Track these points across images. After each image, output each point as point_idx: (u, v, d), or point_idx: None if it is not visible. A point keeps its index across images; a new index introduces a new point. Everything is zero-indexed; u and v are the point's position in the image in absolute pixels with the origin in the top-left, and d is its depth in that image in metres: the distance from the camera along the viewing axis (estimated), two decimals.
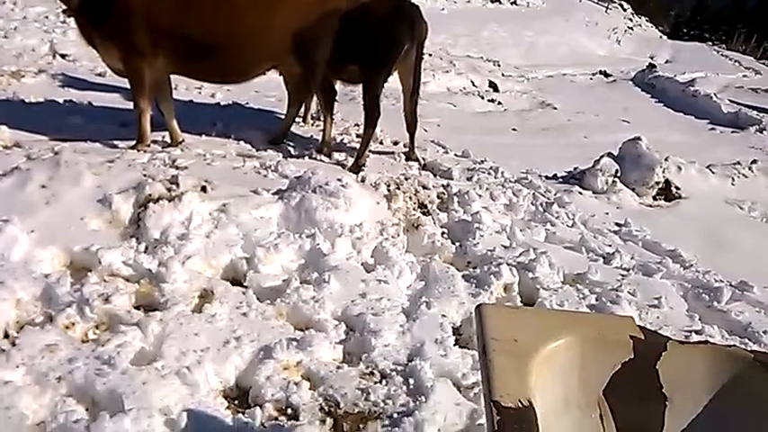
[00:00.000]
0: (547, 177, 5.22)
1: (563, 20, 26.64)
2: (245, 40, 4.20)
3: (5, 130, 4.14)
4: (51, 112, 4.89)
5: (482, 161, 5.36)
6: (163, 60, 4.14)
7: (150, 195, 2.97)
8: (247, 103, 6.23)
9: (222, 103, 6.11)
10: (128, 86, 4.46)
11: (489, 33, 18.83)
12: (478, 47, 16.25)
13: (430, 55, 11.20)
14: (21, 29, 7.57)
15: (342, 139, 5.38)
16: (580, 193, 4.73)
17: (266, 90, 6.65)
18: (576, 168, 5.41)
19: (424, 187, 4.08)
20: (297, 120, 5.32)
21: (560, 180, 5.15)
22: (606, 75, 14.37)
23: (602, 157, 5.11)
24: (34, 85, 5.75)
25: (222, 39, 4.13)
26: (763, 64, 33.37)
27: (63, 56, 6.98)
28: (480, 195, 4.15)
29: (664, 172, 4.96)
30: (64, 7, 4.10)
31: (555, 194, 4.57)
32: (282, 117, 5.30)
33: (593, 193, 4.84)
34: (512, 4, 27.73)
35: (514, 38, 19.01)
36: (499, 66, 13.26)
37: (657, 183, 4.93)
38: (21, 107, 4.90)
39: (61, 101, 5.23)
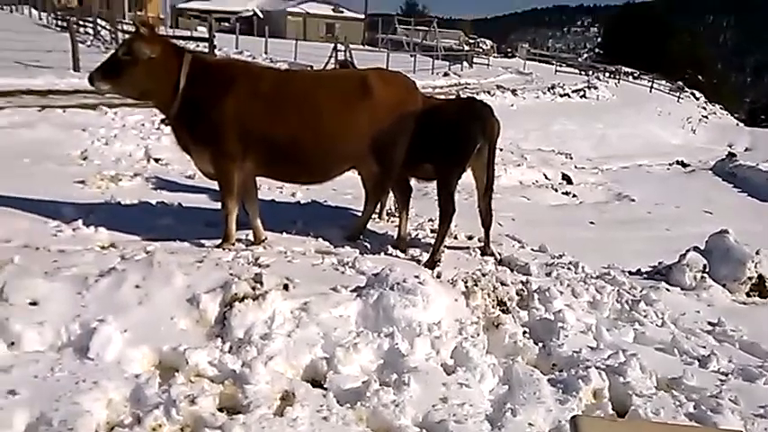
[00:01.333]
0: (630, 273, 5.04)
1: (634, 111, 26.69)
2: (327, 144, 4.41)
3: (103, 231, 4.43)
4: (145, 213, 5.19)
5: (560, 256, 5.25)
6: (251, 164, 4.37)
7: (236, 294, 3.05)
8: (326, 201, 6.44)
9: (302, 202, 6.34)
10: (214, 187, 4.73)
11: (559, 127, 19.03)
12: (549, 140, 16.40)
13: (501, 149, 11.33)
14: (120, 136, 8.26)
15: (417, 235, 5.43)
16: (667, 289, 4.52)
17: (343, 188, 6.86)
18: (660, 263, 5.20)
19: (503, 284, 4.01)
20: (373, 216, 5.43)
21: (645, 276, 4.96)
22: (684, 164, 14.08)
23: (688, 251, 4.90)
24: (130, 187, 6.18)
25: (306, 142, 4.35)
26: None
27: (157, 160, 7.52)
28: (562, 292, 4.03)
29: (756, 266, 4.70)
30: (162, 117, 4.46)
31: (641, 291, 4.39)
32: (359, 214, 5.43)
33: (682, 289, 4.61)
34: (581, 97, 28.08)
35: (585, 130, 19.11)
36: (571, 158, 13.25)
37: (750, 278, 4.67)
38: (117, 209, 5.23)
39: (154, 202, 5.56)
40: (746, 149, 22.57)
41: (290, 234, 4.96)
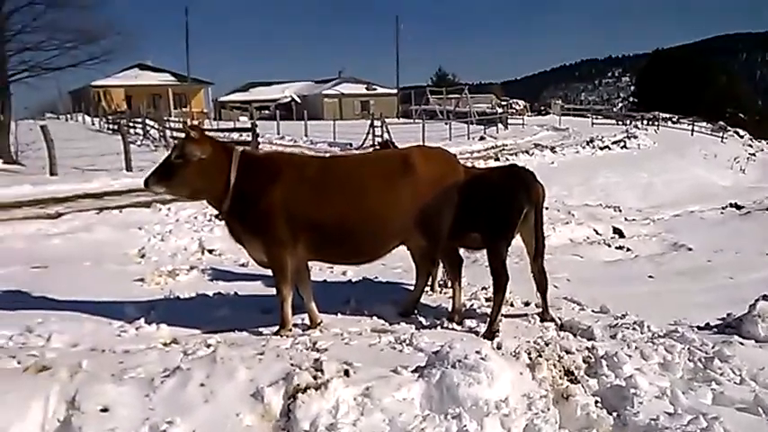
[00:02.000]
0: (699, 328, 4.82)
1: (678, 156, 26.27)
2: (375, 223, 4.48)
3: (165, 327, 4.54)
4: (203, 306, 5.30)
5: (623, 315, 5.08)
6: (302, 249, 4.47)
7: (298, 385, 3.04)
8: (376, 278, 6.46)
9: (353, 280, 6.37)
10: (267, 273, 4.83)
11: (603, 180, 18.83)
12: (594, 194, 16.22)
13: (546, 208, 11.23)
14: (174, 231, 8.58)
15: (471, 305, 5.36)
16: (741, 343, 4.28)
17: (393, 262, 6.88)
18: (729, 315, 4.97)
19: (568, 352, 3.89)
20: (425, 289, 5.41)
21: (715, 330, 4.73)
22: (738, 207, 13.62)
23: (757, 300, 4.68)
24: (187, 281, 6.34)
25: (355, 224, 4.44)
26: None
27: (210, 251, 7.75)
28: (630, 356, 3.87)
29: None
30: (216, 212, 4.64)
31: (713, 347, 4.18)
32: (410, 287, 5.42)
33: (756, 341, 4.37)
34: (622, 148, 27.86)
35: (630, 181, 18.85)
36: (620, 211, 13.04)
37: None
38: (176, 304, 5.37)
39: (211, 294, 5.68)
40: None
41: (345, 314, 5.00)
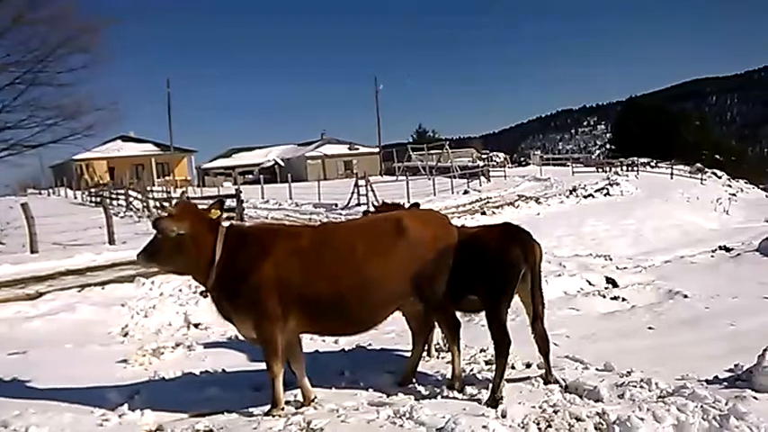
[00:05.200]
0: (708, 382, 4.65)
1: (662, 201, 26.53)
2: (370, 291, 4.34)
3: (149, 413, 4.29)
4: (189, 386, 5.05)
5: (629, 372, 4.90)
6: (294, 323, 4.30)
7: None
8: (370, 344, 6.25)
9: (347, 349, 6.16)
10: (257, 346, 4.62)
11: (591, 229, 18.87)
12: (584, 244, 16.18)
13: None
14: (158, 306, 8.32)
15: (471, 370, 5.16)
16: (755, 397, 4.11)
17: (384, 326, 6.66)
18: (737, 365, 4.81)
19: (578, 419, 3.70)
20: (422, 355, 5.22)
21: (725, 384, 4.55)
22: (727, 249, 13.59)
23: (765, 350, 4.52)
24: (173, 359, 6.07)
25: (349, 293, 4.29)
26: None
27: (196, 325, 7.50)
28: (642, 419, 3.69)
29: None
30: (202, 288, 4.47)
31: (726, 404, 4.00)
32: (406, 354, 5.23)
33: None
34: (605, 195, 28.12)
35: (617, 228, 18.89)
36: (611, 259, 12.97)
37: None
38: (162, 386, 5.10)
39: (197, 372, 5.43)
40: None
41: (340, 387, 4.79)
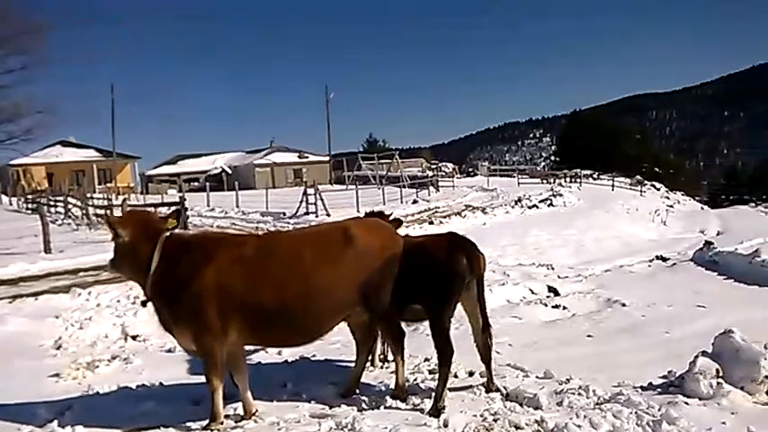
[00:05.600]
0: (643, 388, 4.78)
1: (603, 212, 27.31)
2: (317, 301, 4.29)
3: (80, 429, 4.12)
4: (125, 400, 4.88)
5: (568, 380, 5.00)
6: (236, 334, 4.21)
7: None
8: (314, 356, 6.18)
9: (290, 360, 6.07)
10: (197, 359, 4.51)
11: (534, 238, 19.25)
12: (527, 253, 16.48)
13: None
14: (95, 317, 8.01)
15: (415, 379, 5.17)
16: (686, 403, 4.25)
17: (329, 336, 6.61)
18: (670, 372, 4.97)
19: (517, 427, 3.74)
20: (366, 365, 5.19)
21: (659, 390, 4.69)
22: (664, 259, 14.12)
23: (697, 357, 4.70)
24: (108, 373, 5.87)
25: (295, 303, 4.23)
26: None
27: (134, 337, 7.26)
28: (579, 426, 3.77)
29: None
30: (143, 298, 4.36)
31: (659, 410, 4.12)
32: (351, 364, 5.18)
33: (700, 399, 4.35)
34: (549, 206, 28.76)
35: (560, 238, 19.33)
36: (553, 269, 13.25)
37: (767, 377, 4.44)
38: (95, 401, 4.92)
39: (134, 386, 5.26)
40: (719, 233, 22.99)
41: (282, 400, 4.71)
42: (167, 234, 4.40)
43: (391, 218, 6.05)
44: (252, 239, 4.68)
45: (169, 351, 6.53)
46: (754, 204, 46.91)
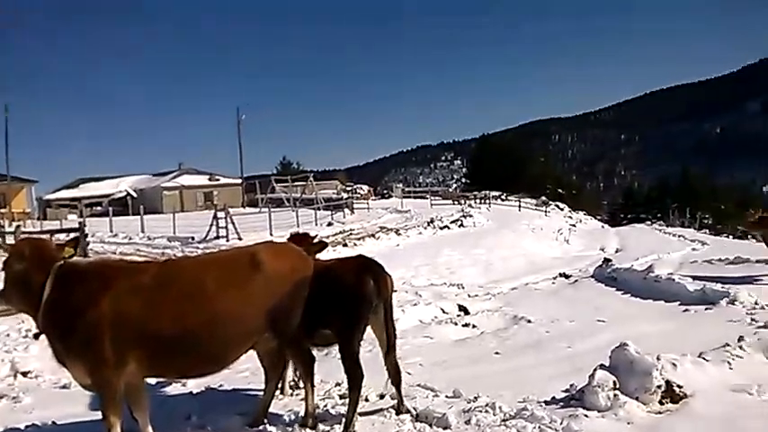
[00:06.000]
0: (546, 403, 4.93)
1: (510, 231, 28.32)
2: (223, 328, 4.15)
3: None
4: None
5: (476, 398, 5.08)
6: (135, 365, 4.01)
7: None
8: (221, 386, 5.98)
9: (194, 391, 5.84)
10: (94, 395, 4.26)
11: (446, 258, 19.66)
12: (439, 273, 16.80)
13: (395, 290, 11.38)
14: None
15: (325, 405, 5.10)
16: (586, 415, 4.42)
17: (238, 365, 6.43)
18: (572, 386, 5.16)
19: None
20: (275, 393, 5.07)
21: (561, 404, 4.85)
22: (567, 276, 14.77)
23: (595, 370, 4.91)
24: None
25: (201, 331, 4.07)
26: (705, 233, 35.46)
27: (25, 374, 6.75)
28: None
29: (661, 373, 4.75)
30: (35, 331, 4.11)
31: (561, 423, 4.27)
32: (260, 392, 5.05)
33: (599, 412, 4.54)
34: (459, 227, 29.53)
35: (470, 258, 19.85)
36: (463, 288, 13.54)
37: (659, 386, 4.68)
38: None
39: (23, 426, 4.89)
40: (617, 250, 24.32)
41: None
42: (61, 262, 4.17)
43: (316, 240, 6.02)
44: (152, 266, 4.49)
45: (64, 387, 6.11)
46: (649, 222, 50.12)
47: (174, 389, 5.95)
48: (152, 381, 5.52)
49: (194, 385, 6.00)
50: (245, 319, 4.25)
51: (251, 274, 4.30)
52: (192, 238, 24.65)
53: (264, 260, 4.38)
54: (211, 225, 24.88)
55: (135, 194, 56.25)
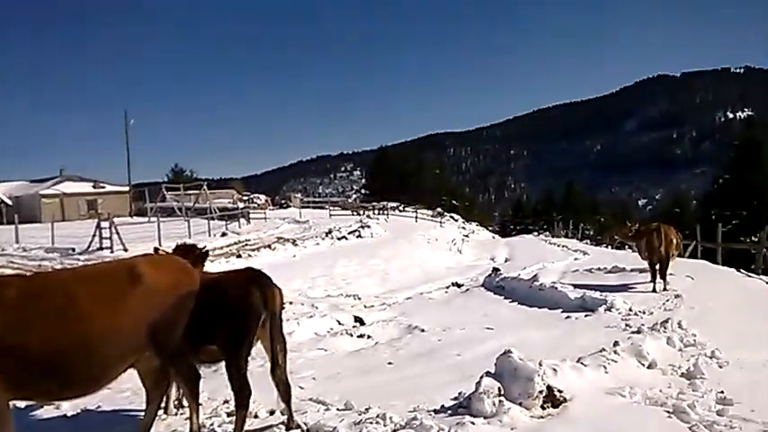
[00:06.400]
0: (436, 411, 5.01)
1: (406, 242, 28.76)
2: (96, 346, 3.89)
3: None
4: None
5: (367, 409, 5.08)
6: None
7: None
8: (99, 407, 5.61)
9: (69, 414, 5.43)
10: None
11: (343, 269, 19.63)
12: (336, 284, 16.75)
13: (291, 303, 11.23)
14: None
15: (212, 424, 4.92)
16: (472, 422, 4.52)
17: (119, 384, 6.06)
18: (461, 393, 5.28)
19: None
20: (158, 413, 4.82)
21: (449, 412, 4.94)
22: (458, 285, 15.19)
23: (482, 377, 5.05)
24: None
25: (72, 350, 3.80)
26: (586, 243, 37.75)
27: None
28: None
29: (542, 378, 4.97)
30: None
31: (449, 431, 4.36)
32: (141, 414, 4.78)
33: (485, 418, 4.66)
34: (357, 237, 29.63)
35: (367, 268, 19.95)
36: (359, 299, 13.57)
37: (540, 392, 4.89)
38: None
39: None
40: (506, 260, 25.31)
41: None
42: None
43: (204, 250, 5.82)
44: (17, 280, 4.14)
45: None
46: (536, 233, 52.67)
47: (46, 411, 5.51)
48: (20, 404, 5.11)
49: (69, 407, 5.58)
50: (122, 337, 4.01)
51: (129, 288, 4.08)
52: (73, 250, 23.10)
53: (144, 273, 4.17)
54: (94, 235, 23.43)
55: (10, 202, 52.00)
